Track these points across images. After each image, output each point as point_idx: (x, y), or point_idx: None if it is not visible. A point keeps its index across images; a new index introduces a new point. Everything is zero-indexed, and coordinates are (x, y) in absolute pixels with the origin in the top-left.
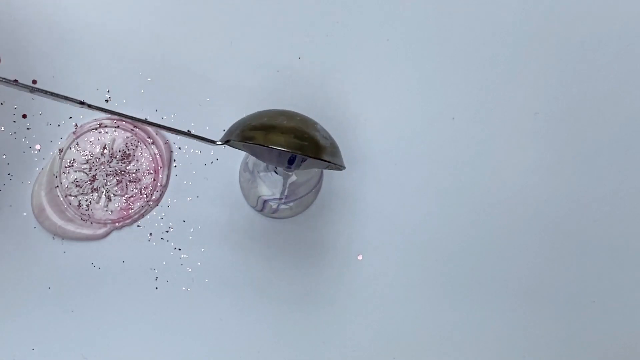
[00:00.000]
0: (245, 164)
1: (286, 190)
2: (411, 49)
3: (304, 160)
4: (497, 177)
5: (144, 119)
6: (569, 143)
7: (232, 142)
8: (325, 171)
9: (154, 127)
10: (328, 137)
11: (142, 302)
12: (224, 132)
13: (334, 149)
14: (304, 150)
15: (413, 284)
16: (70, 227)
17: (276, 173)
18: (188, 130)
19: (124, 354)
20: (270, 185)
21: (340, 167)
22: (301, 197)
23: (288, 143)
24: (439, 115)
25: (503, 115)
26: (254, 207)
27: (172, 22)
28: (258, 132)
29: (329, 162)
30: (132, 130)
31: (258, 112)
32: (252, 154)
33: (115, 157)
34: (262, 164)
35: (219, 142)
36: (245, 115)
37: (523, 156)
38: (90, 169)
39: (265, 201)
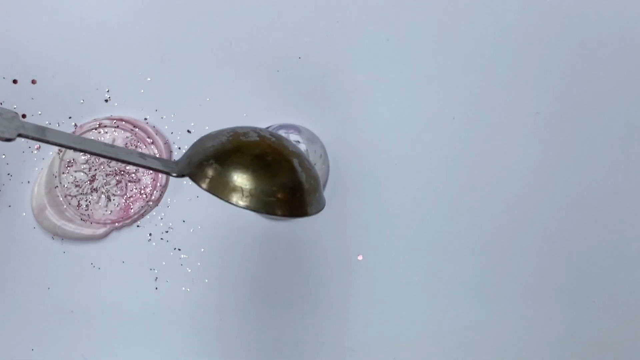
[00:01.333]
0: None
1: None
2: (411, 49)
3: None
4: (497, 177)
5: (143, 119)
6: (569, 143)
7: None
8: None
9: (153, 129)
10: (304, 179)
11: (141, 302)
12: (187, 149)
13: (310, 195)
14: (269, 208)
15: (413, 284)
16: (70, 227)
17: None
18: (148, 154)
19: (123, 355)
20: None
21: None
22: None
23: (249, 202)
24: (439, 115)
25: (503, 115)
26: None
27: (172, 22)
28: (216, 180)
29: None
30: (131, 130)
31: (225, 137)
32: None
33: None
34: None
35: (174, 174)
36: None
37: (523, 156)
38: (90, 169)
39: None
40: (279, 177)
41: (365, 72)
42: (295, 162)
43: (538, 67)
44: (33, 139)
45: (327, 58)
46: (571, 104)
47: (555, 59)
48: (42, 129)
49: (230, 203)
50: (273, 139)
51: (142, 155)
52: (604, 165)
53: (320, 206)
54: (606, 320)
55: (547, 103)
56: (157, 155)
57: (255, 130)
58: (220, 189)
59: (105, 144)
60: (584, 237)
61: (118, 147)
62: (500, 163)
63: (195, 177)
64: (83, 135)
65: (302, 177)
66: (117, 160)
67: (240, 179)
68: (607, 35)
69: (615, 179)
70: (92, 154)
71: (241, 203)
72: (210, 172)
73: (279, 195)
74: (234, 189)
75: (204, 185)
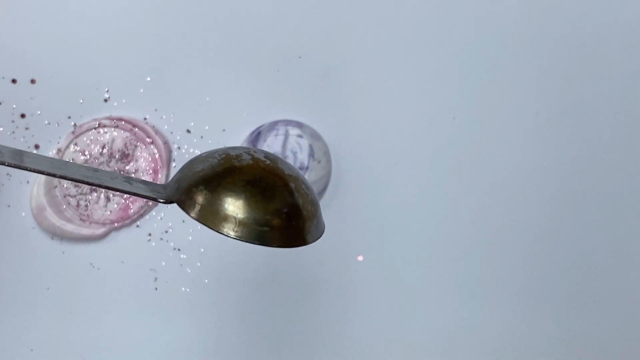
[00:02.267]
0: None
1: None
2: (411, 49)
3: None
4: (498, 177)
5: (143, 118)
6: (570, 143)
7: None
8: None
9: (152, 129)
10: (301, 205)
11: (141, 302)
12: (175, 175)
13: (308, 222)
14: (262, 239)
15: (413, 285)
16: (69, 228)
17: None
18: (133, 177)
19: (123, 355)
20: None
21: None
22: None
23: (241, 233)
24: (439, 115)
25: (503, 115)
26: None
27: (172, 22)
28: (206, 208)
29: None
30: (131, 130)
31: (216, 160)
32: None
33: (114, 157)
34: None
35: (161, 200)
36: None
37: (523, 156)
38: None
39: None
40: (273, 203)
41: (366, 72)
42: (292, 186)
43: (538, 67)
44: (9, 165)
45: (327, 58)
46: (571, 104)
47: (555, 59)
48: (20, 154)
49: (221, 233)
50: (267, 162)
51: (127, 179)
52: (604, 165)
53: (319, 233)
54: (606, 320)
55: (547, 103)
56: (157, 156)
57: (248, 151)
58: (211, 218)
59: (87, 169)
60: (584, 237)
61: (102, 171)
62: (500, 163)
63: (184, 205)
64: (82, 136)
65: (299, 202)
66: (101, 186)
67: (232, 207)
68: (607, 35)
69: (615, 179)
70: (74, 180)
71: (232, 234)
72: (199, 199)
73: (274, 223)
74: (225, 218)
75: (193, 214)
